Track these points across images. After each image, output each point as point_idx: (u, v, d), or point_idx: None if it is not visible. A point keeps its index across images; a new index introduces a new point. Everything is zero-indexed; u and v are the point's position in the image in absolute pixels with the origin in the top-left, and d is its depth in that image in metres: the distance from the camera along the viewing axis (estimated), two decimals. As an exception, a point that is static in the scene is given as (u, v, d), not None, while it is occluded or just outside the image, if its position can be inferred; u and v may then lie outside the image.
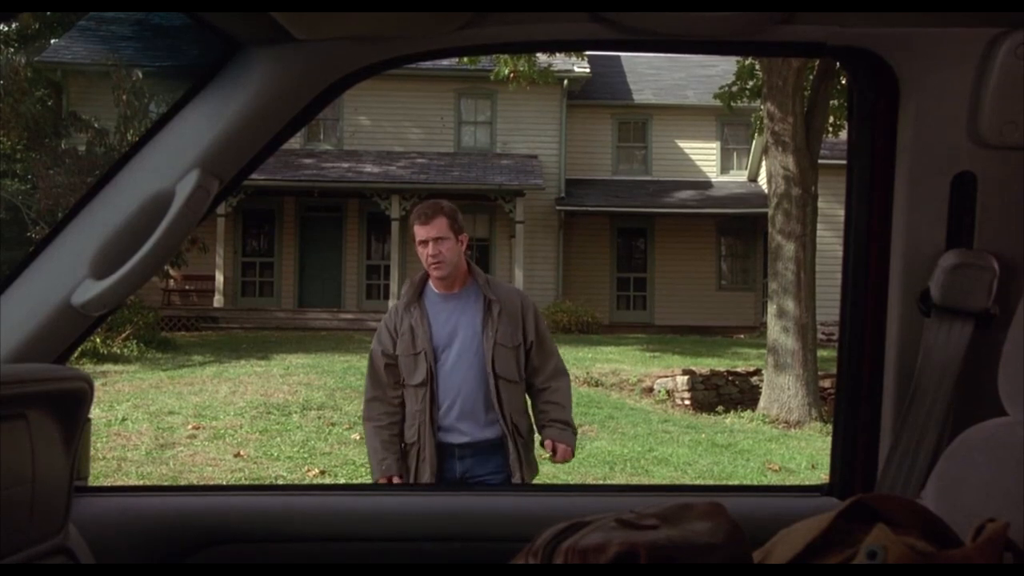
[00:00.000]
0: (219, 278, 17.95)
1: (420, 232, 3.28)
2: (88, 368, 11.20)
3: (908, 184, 1.35)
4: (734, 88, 13.57)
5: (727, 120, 19.00)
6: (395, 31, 1.29)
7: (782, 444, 8.90)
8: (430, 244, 3.24)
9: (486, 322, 3.26)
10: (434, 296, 3.35)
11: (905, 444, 1.32)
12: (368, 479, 4.65)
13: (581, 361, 12.00)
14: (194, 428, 8.37)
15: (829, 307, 11.78)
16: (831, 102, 11.26)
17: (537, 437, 3.40)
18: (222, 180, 1.31)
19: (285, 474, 6.93)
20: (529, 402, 3.42)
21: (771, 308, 10.69)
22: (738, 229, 19.45)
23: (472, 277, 3.35)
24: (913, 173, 1.34)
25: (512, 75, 13.46)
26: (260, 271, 19.02)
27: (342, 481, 6.77)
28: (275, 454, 7.59)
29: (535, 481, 3.46)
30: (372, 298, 18.58)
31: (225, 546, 1.35)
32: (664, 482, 7.19)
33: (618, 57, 20.85)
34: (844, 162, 1.49)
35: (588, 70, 18.65)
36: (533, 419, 3.39)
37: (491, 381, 3.23)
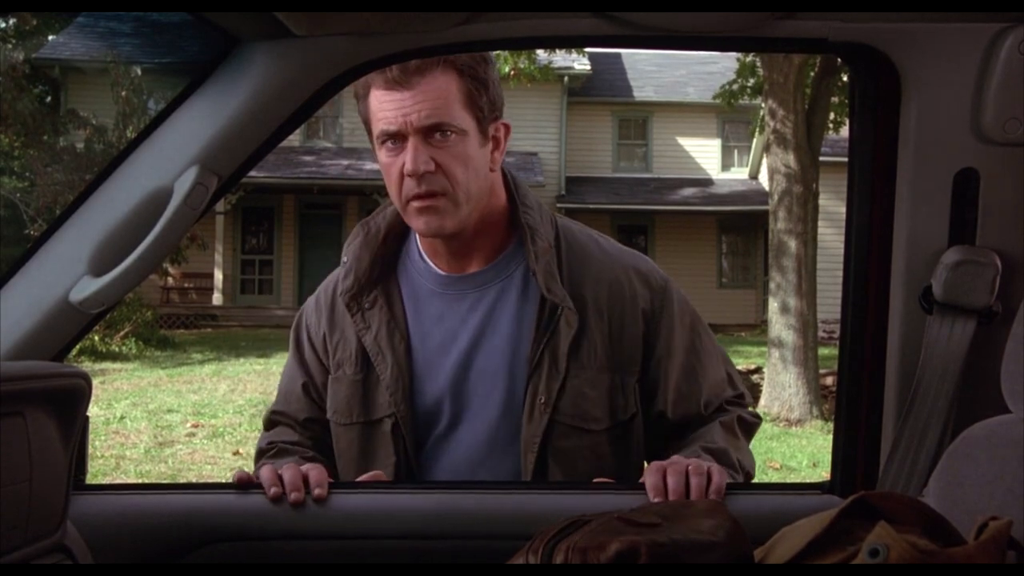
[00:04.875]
0: (218, 275, 17.94)
1: (388, 108, 1.36)
2: (86, 366, 11.19)
3: (910, 181, 1.34)
4: (735, 86, 13.55)
5: (728, 117, 18.98)
6: (395, 27, 1.28)
7: (783, 442, 8.89)
8: (410, 145, 1.36)
9: (540, 359, 1.39)
10: (424, 275, 1.48)
11: (907, 442, 1.32)
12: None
13: (581, 358, 11.98)
14: (193, 426, 8.36)
15: (830, 305, 11.78)
16: (832, 99, 11.25)
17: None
18: (221, 177, 1.30)
19: (285, 471, 6.91)
20: None
21: (772, 305, 10.69)
22: (739, 226, 19.44)
23: (515, 233, 1.46)
24: (915, 170, 1.33)
25: (513, 72, 13.44)
26: (259, 269, 19.01)
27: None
28: (275, 451, 7.58)
29: None
30: (372, 295, 18.57)
31: (224, 544, 1.35)
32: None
33: (618, 54, 20.82)
34: (845, 160, 1.49)
35: (588, 67, 18.63)
36: None
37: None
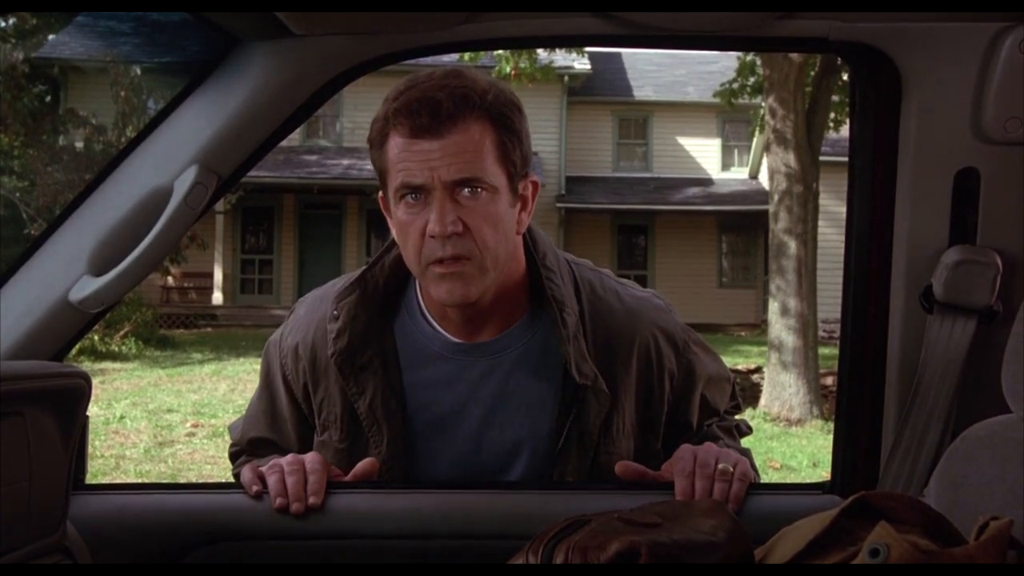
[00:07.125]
0: (218, 275, 17.94)
1: (412, 159, 1.24)
2: (86, 366, 11.19)
3: (910, 180, 1.34)
4: (735, 85, 13.55)
5: (728, 117, 18.98)
6: (395, 26, 1.28)
7: (783, 442, 8.90)
8: (436, 202, 1.23)
9: (567, 438, 1.35)
10: (429, 338, 1.38)
11: (907, 442, 1.32)
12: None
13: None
14: (193, 426, 8.36)
15: (830, 304, 11.78)
16: (833, 98, 11.25)
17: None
18: (221, 176, 1.31)
19: (285, 471, 6.91)
20: None
21: (772, 305, 10.69)
22: (739, 226, 19.44)
23: (532, 298, 1.37)
24: (915, 169, 1.33)
25: (513, 72, 13.43)
26: (259, 268, 19.01)
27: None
28: (275, 451, 7.58)
29: None
30: (372, 295, 18.59)
31: (224, 544, 1.35)
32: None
33: (618, 53, 20.82)
34: (846, 159, 1.49)
35: (588, 67, 18.63)
36: None
37: None
